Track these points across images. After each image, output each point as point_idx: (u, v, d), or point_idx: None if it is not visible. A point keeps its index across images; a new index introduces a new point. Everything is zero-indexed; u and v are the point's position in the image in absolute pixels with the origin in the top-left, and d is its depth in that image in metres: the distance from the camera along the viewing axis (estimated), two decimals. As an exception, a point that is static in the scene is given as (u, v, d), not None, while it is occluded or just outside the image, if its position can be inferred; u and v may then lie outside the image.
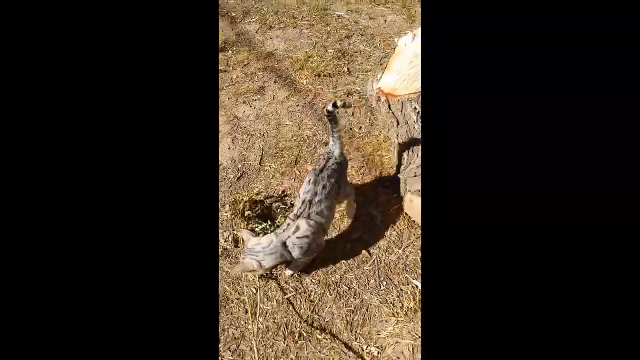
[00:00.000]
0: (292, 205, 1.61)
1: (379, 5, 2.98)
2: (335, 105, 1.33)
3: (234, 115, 2.20)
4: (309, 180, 1.38)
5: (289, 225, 1.33)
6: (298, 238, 1.30)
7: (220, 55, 2.53)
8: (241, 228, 1.56)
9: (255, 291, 1.44)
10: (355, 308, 1.41)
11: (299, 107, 2.22)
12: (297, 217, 1.33)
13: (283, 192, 1.81)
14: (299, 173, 1.88)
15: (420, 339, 1.23)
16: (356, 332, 1.35)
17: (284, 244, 1.30)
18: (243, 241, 1.37)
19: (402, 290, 1.43)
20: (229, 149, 2.03)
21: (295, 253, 1.32)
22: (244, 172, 1.92)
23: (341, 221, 1.66)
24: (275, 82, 2.38)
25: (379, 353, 1.29)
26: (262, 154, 1.98)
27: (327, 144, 1.80)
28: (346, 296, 1.45)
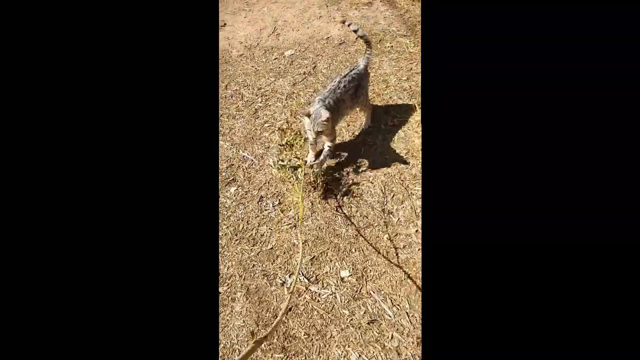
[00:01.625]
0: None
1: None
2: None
3: (347, 15, 3.27)
4: (336, 79, 1.99)
5: (318, 102, 1.90)
6: (326, 104, 1.91)
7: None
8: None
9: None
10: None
11: (392, 15, 3.20)
12: (323, 100, 1.91)
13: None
14: (379, 47, 2.88)
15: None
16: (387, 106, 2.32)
17: (324, 106, 1.89)
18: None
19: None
20: (338, 29, 3.11)
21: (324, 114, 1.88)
22: (343, 41, 2.98)
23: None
24: (381, 0, 3.39)
25: (399, 122, 2.25)
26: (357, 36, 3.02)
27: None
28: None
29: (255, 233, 1.81)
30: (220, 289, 1.62)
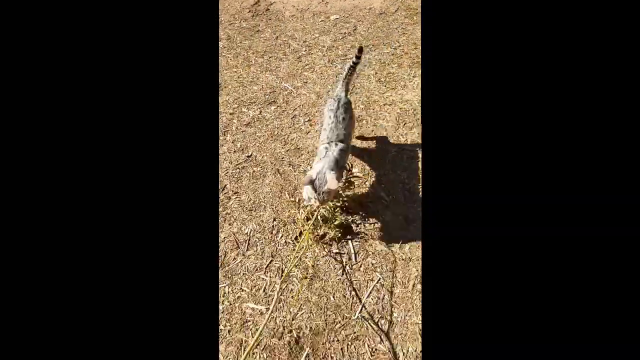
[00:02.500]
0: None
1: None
2: (360, 52, 1.92)
3: (390, -8, 3.68)
4: (329, 116, 1.85)
5: (326, 149, 1.75)
6: (341, 150, 1.76)
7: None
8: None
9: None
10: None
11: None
12: (331, 141, 1.78)
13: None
14: (415, 18, 3.27)
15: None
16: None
17: (335, 160, 1.70)
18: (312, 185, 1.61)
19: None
20: (380, 2, 3.54)
21: (343, 160, 1.77)
22: (384, 12, 3.40)
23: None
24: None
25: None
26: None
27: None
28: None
29: (287, 137, 2.26)
30: (255, 169, 2.08)
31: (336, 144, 1.77)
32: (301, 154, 2.16)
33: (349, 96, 2.00)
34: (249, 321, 1.48)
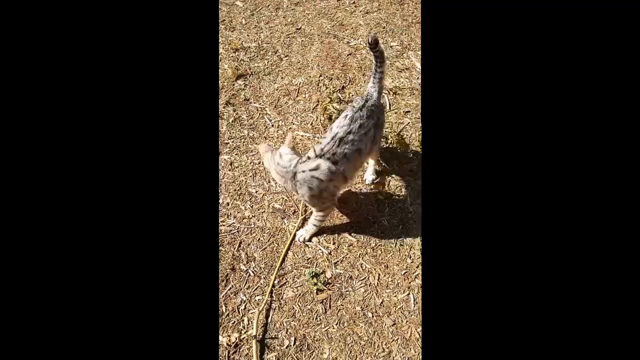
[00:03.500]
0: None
1: None
2: (375, 42, 1.34)
3: None
4: (346, 116, 1.33)
5: (309, 158, 1.29)
6: (312, 176, 1.27)
7: None
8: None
9: None
10: None
11: None
12: (321, 154, 1.27)
13: None
14: None
15: None
16: None
17: (294, 175, 1.27)
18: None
19: None
20: None
21: (301, 190, 1.29)
22: None
23: None
24: None
25: None
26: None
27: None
28: None
29: (333, 15, 2.49)
30: (304, 39, 2.34)
31: (317, 166, 1.26)
32: (345, 29, 2.39)
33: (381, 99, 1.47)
34: (299, 143, 1.84)
